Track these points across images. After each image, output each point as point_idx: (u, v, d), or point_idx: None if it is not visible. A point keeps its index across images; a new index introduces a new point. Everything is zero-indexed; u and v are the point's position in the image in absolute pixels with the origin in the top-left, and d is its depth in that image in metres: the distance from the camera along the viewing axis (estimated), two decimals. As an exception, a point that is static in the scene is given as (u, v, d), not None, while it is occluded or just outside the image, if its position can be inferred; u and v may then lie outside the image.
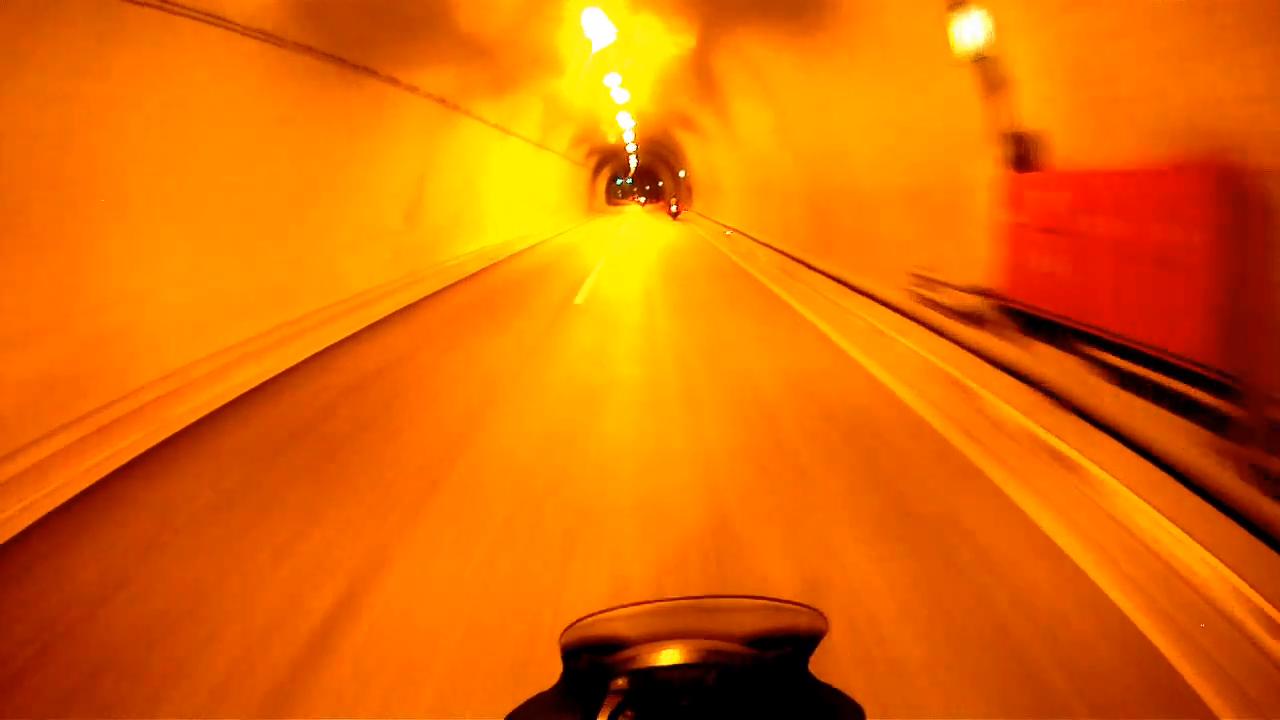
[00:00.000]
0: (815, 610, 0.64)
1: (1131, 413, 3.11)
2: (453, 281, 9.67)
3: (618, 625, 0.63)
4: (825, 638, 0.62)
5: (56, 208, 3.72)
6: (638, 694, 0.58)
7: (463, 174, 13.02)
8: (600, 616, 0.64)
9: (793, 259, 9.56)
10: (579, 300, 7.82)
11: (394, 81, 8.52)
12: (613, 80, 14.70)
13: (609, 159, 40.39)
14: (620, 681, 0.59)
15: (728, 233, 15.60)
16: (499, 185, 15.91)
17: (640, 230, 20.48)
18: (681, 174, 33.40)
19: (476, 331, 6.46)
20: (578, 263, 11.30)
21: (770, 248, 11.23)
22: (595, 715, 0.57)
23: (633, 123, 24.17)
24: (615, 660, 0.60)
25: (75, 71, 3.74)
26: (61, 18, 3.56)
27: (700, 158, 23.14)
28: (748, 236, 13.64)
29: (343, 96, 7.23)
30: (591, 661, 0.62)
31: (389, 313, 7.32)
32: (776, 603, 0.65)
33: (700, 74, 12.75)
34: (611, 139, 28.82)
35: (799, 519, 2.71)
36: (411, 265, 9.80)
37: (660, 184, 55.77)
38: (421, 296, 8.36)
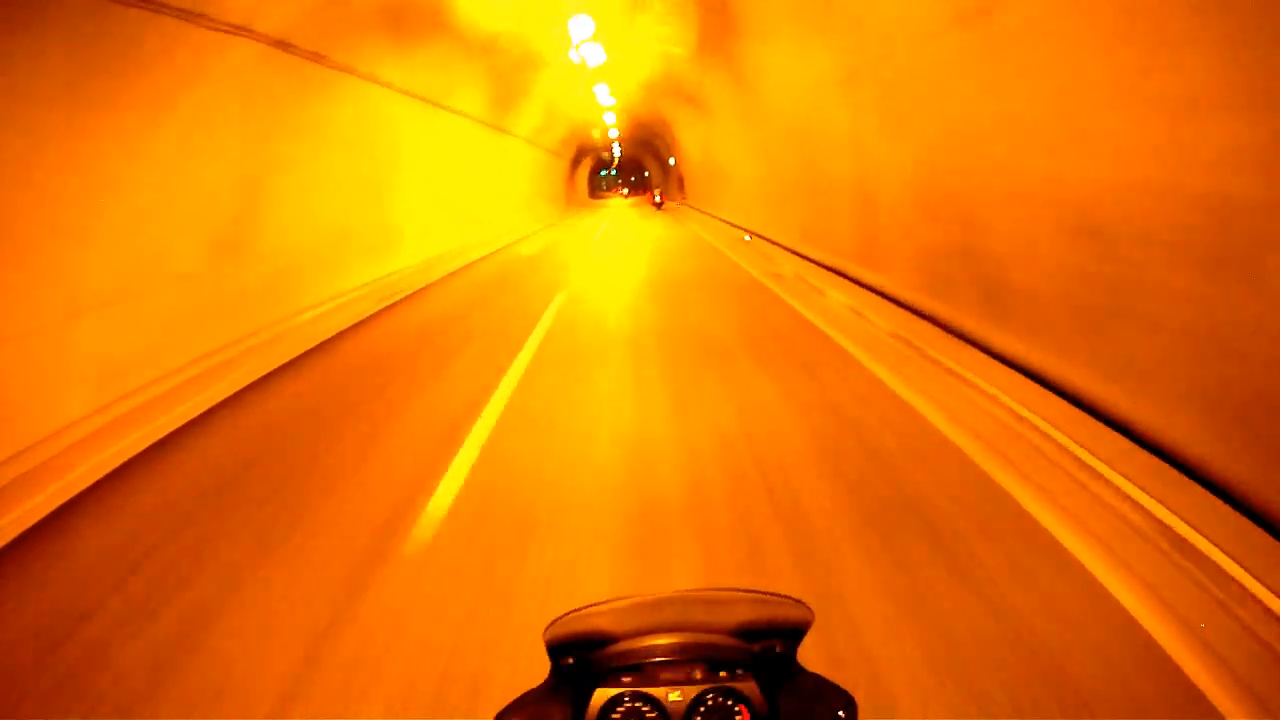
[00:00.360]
0: (800, 602, 0.62)
1: None
2: (273, 369, 5.28)
3: (602, 620, 0.62)
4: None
5: None
6: (627, 689, 0.58)
7: (358, 165, 8.68)
8: (584, 612, 0.62)
9: (907, 309, 5.28)
10: (427, 517, 2.75)
11: (151, 2, 4.16)
12: (582, 26, 10.37)
13: (590, 148, 35.90)
14: (609, 677, 0.58)
15: (747, 238, 11.31)
16: (430, 179, 11.57)
17: (624, 232, 16.13)
18: (671, 162, 29.03)
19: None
20: (517, 306, 6.79)
21: (837, 274, 7.01)
22: (585, 710, 0.57)
23: (613, 100, 19.82)
24: (603, 655, 0.60)
25: None
26: None
27: (696, 141, 18.79)
28: (784, 248, 9.40)
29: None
30: (579, 657, 0.61)
31: (40, 517, 2.94)
32: (760, 595, 0.63)
33: (709, 6, 8.49)
34: (590, 123, 24.42)
35: None
36: (224, 333, 5.47)
37: (646, 174, 51.15)
38: (169, 432, 3.97)
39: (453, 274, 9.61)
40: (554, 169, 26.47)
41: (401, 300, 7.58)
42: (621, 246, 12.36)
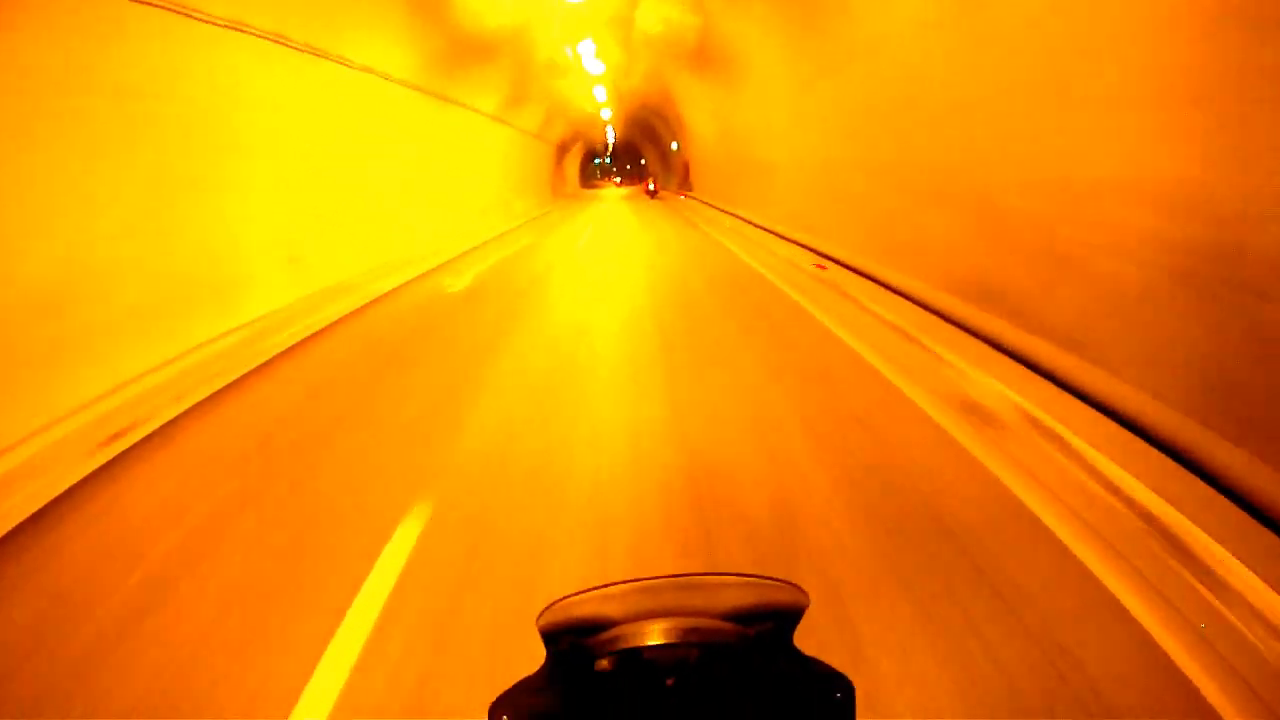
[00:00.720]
0: (794, 585, 0.62)
1: None
2: None
3: (596, 606, 0.61)
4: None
5: None
6: (622, 674, 0.57)
7: (122, 156, 4.53)
8: (578, 598, 0.61)
9: None
10: None
11: None
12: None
13: (580, 134, 31.47)
14: (604, 662, 0.57)
15: (821, 267, 7.08)
16: (310, 172, 7.37)
17: (616, 240, 11.88)
18: (674, 147, 24.71)
19: None
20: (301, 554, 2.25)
21: (1139, 435, 2.83)
22: (581, 697, 0.57)
23: (603, 66, 15.53)
24: (598, 641, 0.58)
25: None
26: None
27: (710, 115, 14.51)
28: (916, 304, 5.24)
29: None
30: (573, 643, 0.59)
31: None
32: (756, 579, 0.62)
33: None
34: (578, 102, 19.88)
35: None
36: None
37: (643, 162, 46.44)
38: None
39: (301, 345, 5.32)
40: (534, 155, 22.15)
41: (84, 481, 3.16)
42: (611, 274, 8.05)
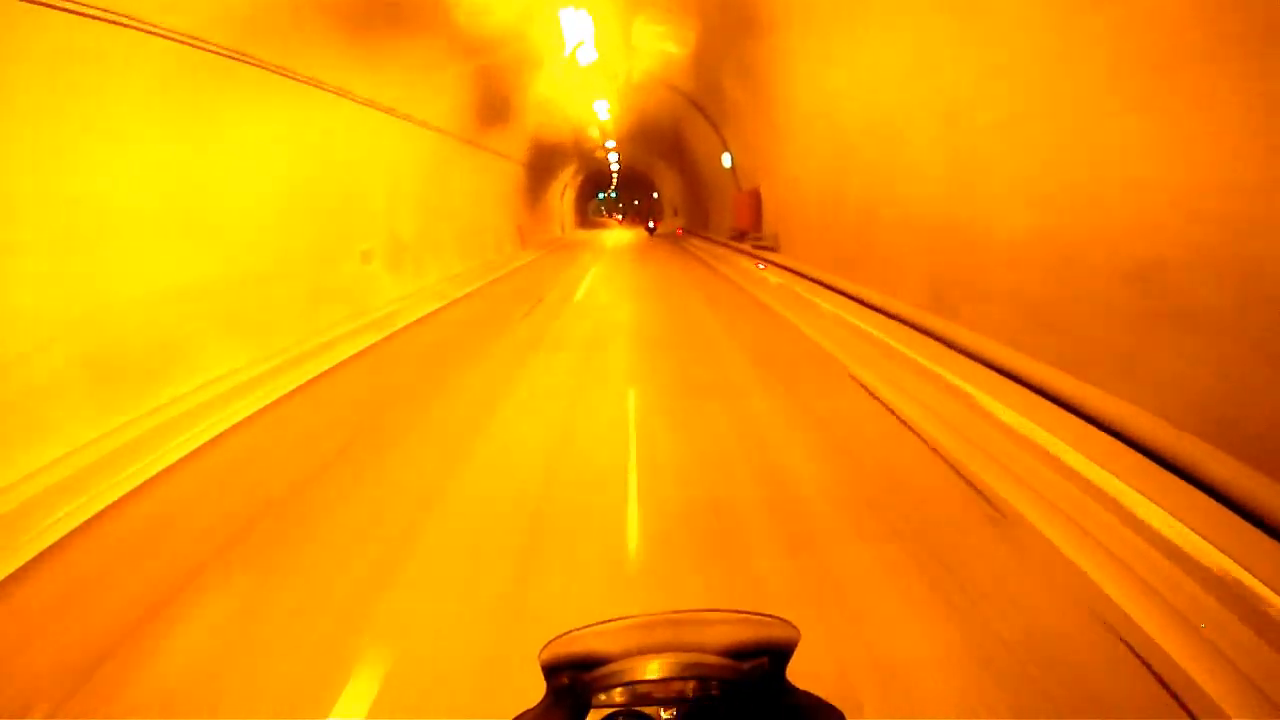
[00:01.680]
0: (787, 621, 0.62)
1: None
2: None
3: (595, 641, 0.62)
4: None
5: None
6: (620, 708, 0.58)
7: None
8: (577, 634, 0.62)
9: None
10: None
11: None
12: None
13: (570, 151, 21.20)
14: (603, 696, 0.58)
15: None
16: None
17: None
18: (726, 161, 13.91)
19: None
20: None
21: None
22: None
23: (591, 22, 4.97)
24: (596, 676, 0.60)
25: None
26: None
27: (839, 91, 3.66)
28: None
29: None
30: (573, 677, 0.61)
31: None
32: (748, 615, 0.63)
33: None
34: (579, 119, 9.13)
35: None
36: None
37: (655, 195, 36.02)
38: None
39: None
40: (477, 181, 11.51)
41: None
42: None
